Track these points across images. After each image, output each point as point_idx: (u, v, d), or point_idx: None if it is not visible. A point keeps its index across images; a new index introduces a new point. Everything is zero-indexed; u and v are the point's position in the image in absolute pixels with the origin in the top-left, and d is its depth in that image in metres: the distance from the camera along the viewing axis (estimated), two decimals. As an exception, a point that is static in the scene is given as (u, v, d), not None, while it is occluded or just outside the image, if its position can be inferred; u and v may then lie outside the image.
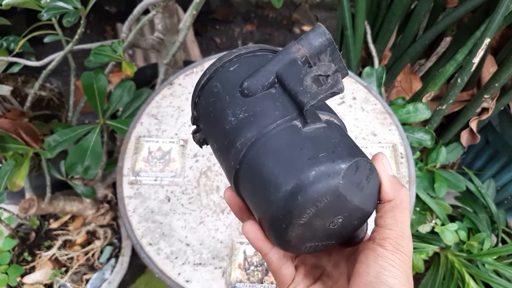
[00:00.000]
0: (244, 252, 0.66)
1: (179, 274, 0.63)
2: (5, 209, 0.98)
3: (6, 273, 1.05)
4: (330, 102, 0.82)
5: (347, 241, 0.34)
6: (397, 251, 0.30)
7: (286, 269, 0.35)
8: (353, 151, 0.28)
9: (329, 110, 0.32)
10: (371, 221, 0.33)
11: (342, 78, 0.32)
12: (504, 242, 1.13)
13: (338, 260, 0.36)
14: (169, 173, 0.73)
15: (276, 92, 0.31)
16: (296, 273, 0.35)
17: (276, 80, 0.32)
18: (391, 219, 0.31)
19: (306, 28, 2.05)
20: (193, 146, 0.76)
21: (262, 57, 0.36)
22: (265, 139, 0.29)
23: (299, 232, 0.29)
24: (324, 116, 0.30)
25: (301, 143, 0.28)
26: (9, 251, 1.10)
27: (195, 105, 0.36)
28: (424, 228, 1.07)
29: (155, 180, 0.72)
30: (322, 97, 0.29)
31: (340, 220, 0.30)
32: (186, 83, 0.83)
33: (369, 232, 0.34)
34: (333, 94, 0.29)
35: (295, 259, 0.37)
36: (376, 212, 0.33)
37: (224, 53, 0.36)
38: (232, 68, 0.34)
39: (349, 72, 0.86)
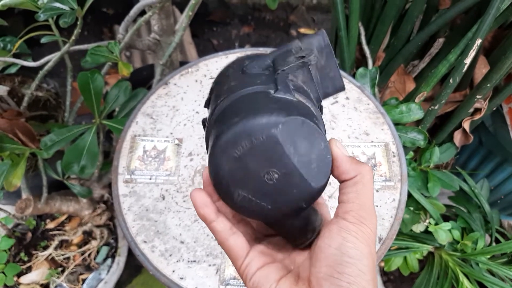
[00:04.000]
0: (238, 250, 0.66)
1: (173, 271, 0.64)
2: (1, 209, 0.98)
3: (3, 273, 1.06)
4: (324, 102, 0.82)
5: (293, 233, 0.35)
6: (360, 223, 0.30)
7: (234, 240, 0.34)
8: (305, 115, 0.30)
9: (310, 99, 0.35)
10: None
11: (335, 76, 0.37)
12: (497, 241, 1.14)
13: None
14: (164, 172, 0.73)
15: (268, 73, 0.35)
16: (251, 249, 0.34)
17: (271, 64, 0.36)
18: (353, 194, 0.32)
19: (303, 30, 2.06)
20: (188, 145, 0.77)
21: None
22: (237, 95, 0.33)
23: (233, 167, 0.30)
24: (298, 96, 0.33)
25: (263, 101, 0.31)
26: (5, 251, 1.11)
27: (211, 90, 0.40)
28: (418, 228, 1.08)
29: (150, 179, 0.73)
30: (293, 65, 0.34)
31: (276, 176, 0.30)
32: (181, 82, 0.84)
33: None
34: (304, 64, 0.34)
35: (253, 242, 0.36)
36: (339, 190, 0.33)
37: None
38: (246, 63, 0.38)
39: (343, 73, 0.87)
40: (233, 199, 0.31)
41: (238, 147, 0.30)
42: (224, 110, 0.33)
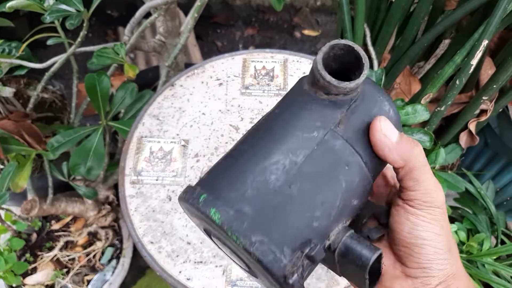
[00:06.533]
0: (245, 251, 0.66)
1: (180, 272, 0.64)
2: (7, 210, 0.99)
3: (12, 271, 1.05)
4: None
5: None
6: (426, 207, 0.31)
7: None
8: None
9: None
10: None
11: None
12: (503, 243, 1.14)
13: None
14: (170, 173, 0.73)
15: None
16: None
17: None
18: (411, 181, 0.31)
19: (306, 32, 2.06)
20: (194, 146, 0.77)
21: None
22: None
23: None
24: None
25: None
26: (14, 251, 1.11)
27: None
28: (424, 229, 1.08)
29: (157, 180, 0.73)
30: None
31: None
32: (187, 84, 0.84)
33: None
34: None
35: None
36: (397, 175, 0.33)
37: None
38: None
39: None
40: None
41: None
42: None
